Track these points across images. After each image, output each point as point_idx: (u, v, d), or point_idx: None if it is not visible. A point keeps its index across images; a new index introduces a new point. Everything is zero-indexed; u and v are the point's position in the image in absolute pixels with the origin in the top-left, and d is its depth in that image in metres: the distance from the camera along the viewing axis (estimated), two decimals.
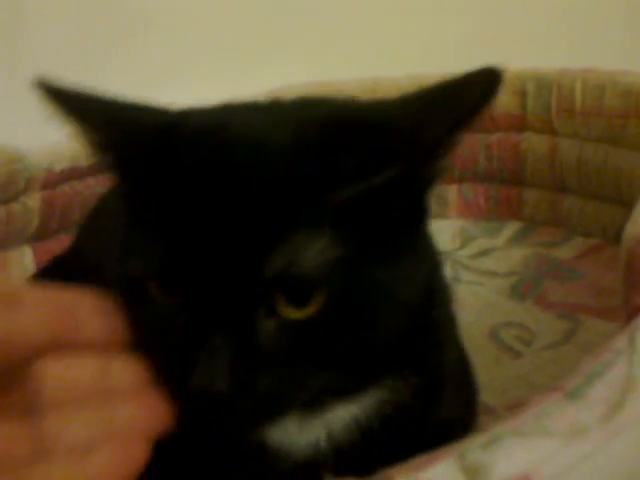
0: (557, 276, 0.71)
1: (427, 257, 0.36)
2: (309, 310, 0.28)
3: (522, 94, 0.81)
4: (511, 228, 0.84)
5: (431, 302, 0.36)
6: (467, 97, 0.31)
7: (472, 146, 0.86)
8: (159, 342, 0.30)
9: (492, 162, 0.85)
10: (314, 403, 0.32)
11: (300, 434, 0.33)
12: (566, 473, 0.23)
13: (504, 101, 0.82)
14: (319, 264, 0.28)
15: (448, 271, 0.77)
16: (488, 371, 0.53)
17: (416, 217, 0.34)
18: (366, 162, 0.30)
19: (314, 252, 0.28)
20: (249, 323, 0.28)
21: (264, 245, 0.28)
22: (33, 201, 0.73)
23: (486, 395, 0.46)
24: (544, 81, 0.79)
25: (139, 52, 0.96)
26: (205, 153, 0.31)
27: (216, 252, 0.28)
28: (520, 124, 0.82)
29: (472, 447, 0.23)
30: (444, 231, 0.87)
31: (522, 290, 0.70)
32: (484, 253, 0.80)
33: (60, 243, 0.74)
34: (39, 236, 0.75)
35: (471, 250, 0.81)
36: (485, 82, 0.31)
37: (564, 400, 0.25)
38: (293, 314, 0.28)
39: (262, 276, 0.28)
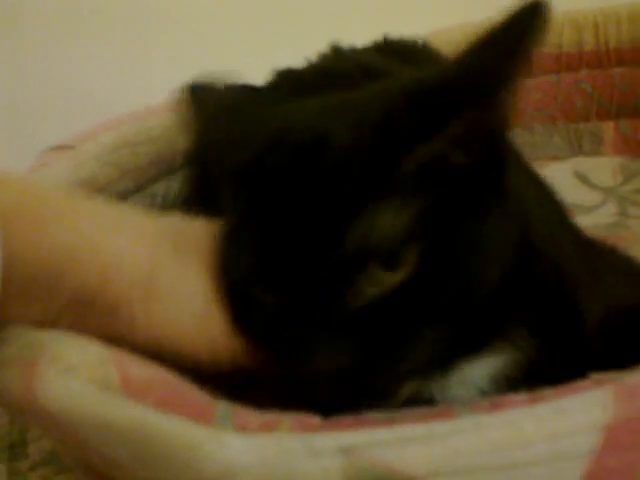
0: None
1: (515, 209, 0.35)
2: (403, 272, 0.30)
3: None
4: None
5: (529, 256, 0.35)
6: (512, 35, 0.31)
7: (632, 79, 0.84)
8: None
9: None
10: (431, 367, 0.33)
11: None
12: None
13: None
14: (398, 226, 0.30)
15: (614, 207, 0.76)
16: None
17: (493, 170, 0.34)
18: (427, 124, 0.30)
19: (391, 217, 0.30)
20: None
21: (342, 223, 0.30)
22: None
23: None
24: None
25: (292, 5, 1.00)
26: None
27: (302, 241, 0.30)
28: None
29: None
30: (603, 168, 0.85)
31: None
32: None
33: None
34: None
35: (635, 185, 0.79)
36: (528, 15, 0.31)
37: None
38: (388, 279, 0.30)
39: (347, 250, 0.30)
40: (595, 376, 0.27)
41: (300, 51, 0.74)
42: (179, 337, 0.33)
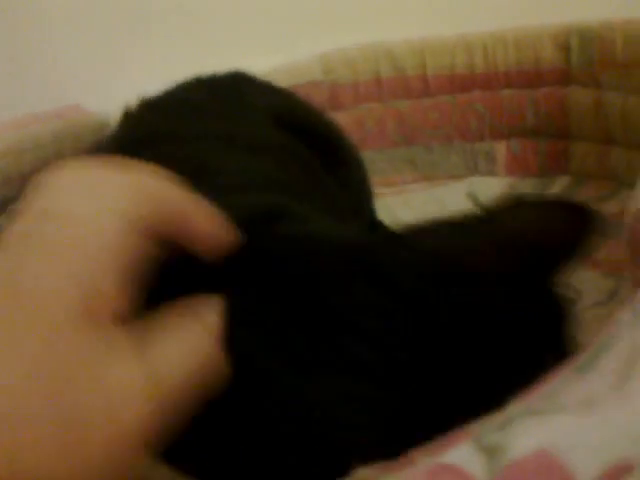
0: (602, 233, 0.72)
1: None
2: None
3: (566, 48, 0.80)
4: (560, 183, 0.84)
5: None
6: None
7: (519, 102, 0.86)
8: None
9: (539, 117, 0.86)
10: None
11: None
12: (579, 444, 0.26)
13: (549, 56, 0.82)
14: None
15: None
16: None
17: None
18: None
19: None
20: None
21: None
22: None
23: None
24: (587, 34, 0.78)
25: (196, 22, 0.99)
26: None
27: None
28: (565, 78, 0.82)
29: (488, 429, 0.26)
30: (493, 188, 0.88)
31: None
32: None
33: None
34: None
35: None
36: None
37: (574, 374, 0.28)
38: None
39: None
40: (357, 472, 0.28)
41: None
42: None
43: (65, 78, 0.94)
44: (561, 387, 0.28)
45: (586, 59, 0.78)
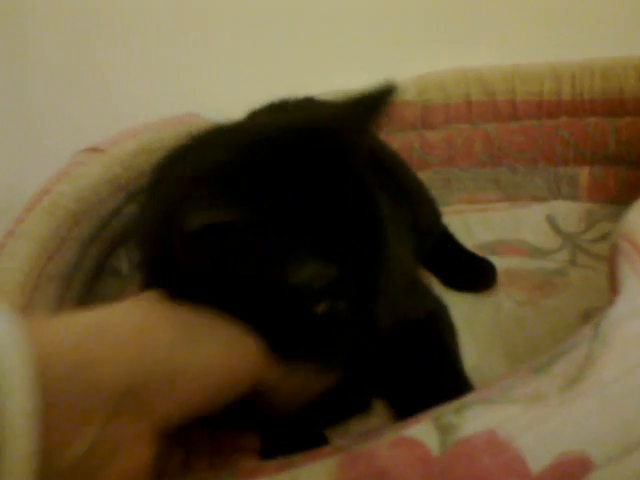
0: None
1: None
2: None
3: None
4: None
5: None
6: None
7: (603, 129, 0.89)
8: None
9: (621, 145, 0.87)
10: None
11: None
12: (526, 431, 0.31)
13: (633, 86, 0.84)
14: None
15: (567, 255, 0.81)
16: None
17: None
18: None
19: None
20: None
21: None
22: None
23: None
24: None
25: (294, 44, 1.07)
26: None
27: None
28: None
29: (446, 412, 0.32)
30: (572, 213, 0.91)
31: None
32: (605, 237, 0.83)
33: None
34: None
35: (594, 234, 0.84)
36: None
37: (529, 374, 0.33)
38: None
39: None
40: (335, 443, 0.34)
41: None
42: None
43: (188, 90, 1.04)
44: (515, 384, 0.33)
45: None
